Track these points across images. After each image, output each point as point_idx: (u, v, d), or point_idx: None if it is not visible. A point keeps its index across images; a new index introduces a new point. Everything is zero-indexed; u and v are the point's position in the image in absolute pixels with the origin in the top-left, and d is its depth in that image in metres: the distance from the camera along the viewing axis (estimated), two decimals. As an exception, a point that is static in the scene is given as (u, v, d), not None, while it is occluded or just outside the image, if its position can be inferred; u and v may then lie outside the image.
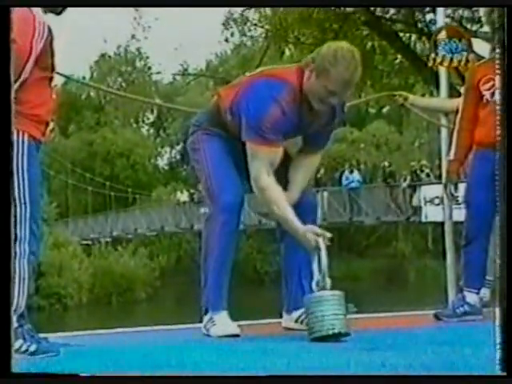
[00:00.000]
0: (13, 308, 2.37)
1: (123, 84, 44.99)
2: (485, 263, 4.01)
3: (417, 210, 22.27)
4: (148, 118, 47.90)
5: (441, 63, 4.86)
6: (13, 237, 2.37)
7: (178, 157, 44.91)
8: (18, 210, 2.72)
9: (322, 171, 26.09)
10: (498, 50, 2.10)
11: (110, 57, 45.04)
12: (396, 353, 2.50)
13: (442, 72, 5.07)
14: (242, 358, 2.45)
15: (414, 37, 16.95)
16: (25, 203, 2.74)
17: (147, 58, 44.88)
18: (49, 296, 26.37)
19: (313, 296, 3.11)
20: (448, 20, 12.26)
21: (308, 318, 3.10)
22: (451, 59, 4.81)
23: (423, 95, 15.96)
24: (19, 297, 2.70)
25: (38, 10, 2.75)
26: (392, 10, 16.32)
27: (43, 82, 2.83)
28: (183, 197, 32.10)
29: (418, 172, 24.21)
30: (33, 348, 2.61)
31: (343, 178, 25.40)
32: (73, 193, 36.79)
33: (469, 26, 14.66)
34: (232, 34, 18.82)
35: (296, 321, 3.46)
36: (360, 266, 36.55)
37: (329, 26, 14.91)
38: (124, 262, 31.46)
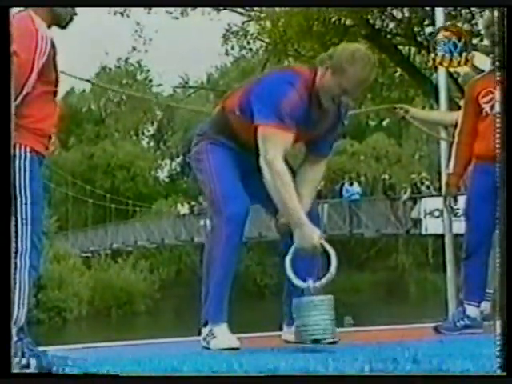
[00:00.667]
0: (12, 321, 2.38)
1: (123, 96, 45.15)
2: (485, 276, 3.99)
3: (417, 223, 22.23)
4: (148, 131, 48.04)
5: (440, 63, 4.84)
6: (14, 249, 2.40)
7: (179, 169, 44.97)
8: (20, 222, 2.71)
9: (322, 183, 26.12)
10: (497, 64, 2.12)
11: (110, 69, 45.13)
12: (394, 365, 2.49)
13: (442, 85, 5.09)
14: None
15: (413, 50, 17.02)
16: (26, 216, 2.74)
17: (148, 70, 45.14)
18: (48, 309, 26.31)
19: (299, 301, 3.14)
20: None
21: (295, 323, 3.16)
22: (451, 59, 4.78)
23: (423, 108, 16.10)
24: (19, 310, 2.69)
25: (41, 24, 2.76)
26: (391, 24, 16.43)
27: (46, 96, 2.83)
28: (183, 209, 32.05)
29: (419, 184, 24.23)
30: (32, 362, 2.55)
31: (344, 190, 25.40)
32: (73, 205, 36.76)
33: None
34: (232, 47, 18.85)
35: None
36: (360, 279, 36.51)
37: (329, 39, 14.95)
38: (124, 275, 31.45)
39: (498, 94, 2.21)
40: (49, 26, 2.83)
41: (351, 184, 25.65)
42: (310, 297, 3.12)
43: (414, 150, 40.07)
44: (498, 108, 2.24)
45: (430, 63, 4.97)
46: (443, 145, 5.03)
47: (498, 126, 2.14)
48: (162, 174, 47.63)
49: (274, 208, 3.36)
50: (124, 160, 41.58)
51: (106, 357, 2.87)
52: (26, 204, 2.74)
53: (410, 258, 38.12)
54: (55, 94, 2.89)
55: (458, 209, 4.20)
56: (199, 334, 3.36)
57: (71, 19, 2.92)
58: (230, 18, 18.70)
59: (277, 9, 15.58)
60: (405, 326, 4.97)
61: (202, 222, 26.53)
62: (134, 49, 22.62)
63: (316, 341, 3.05)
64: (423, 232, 22.07)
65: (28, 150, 2.76)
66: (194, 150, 3.49)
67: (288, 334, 3.49)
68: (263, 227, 23.52)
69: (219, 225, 3.32)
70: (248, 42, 18.25)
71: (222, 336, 3.26)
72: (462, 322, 3.96)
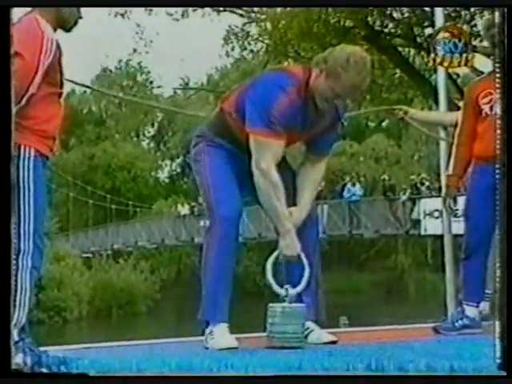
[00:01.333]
0: (13, 322, 2.48)
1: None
2: (484, 277, 3.99)
3: (416, 223, 22.26)
4: (149, 132, 48.01)
5: (441, 63, 4.82)
6: (16, 250, 2.56)
7: (179, 170, 44.97)
8: (22, 223, 2.72)
9: (322, 184, 26.11)
10: (497, 65, 2.12)
11: (111, 71, 45.18)
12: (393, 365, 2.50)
13: (441, 86, 5.07)
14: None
15: (412, 51, 17.04)
16: (29, 217, 2.74)
17: (148, 72, 45.12)
18: (49, 309, 26.29)
19: (271, 307, 3.21)
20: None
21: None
22: (451, 59, 4.77)
23: (422, 109, 16.08)
24: (20, 310, 2.69)
25: (46, 26, 2.78)
26: (391, 25, 16.40)
27: (51, 97, 2.84)
28: (184, 210, 32.02)
29: (418, 185, 24.24)
30: (33, 362, 2.55)
31: (345, 190, 25.39)
32: (74, 206, 36.70)
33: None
34: (232, 49, 18.84)
35: None
36: (360, 279, 36.58)
37: (329, 41, 14.98)
38: (125, 275, 31.41)
39: (498, 95, 2.22)
40: (54, 30, 2.84)
41: (353, 184, 25.66)
42: (283, 304, 3.20)
43: (414, 151, 39.97)
44: (498, 109, 2.25)
45: (431, 63, 4.93)
46: (442, 145, 5.03)
47: (497, 127, 2.16)
48: (163, 175, 47.73)
49: None
50: (124, 161, 41.59)
51: (107, 357, 2.87)
52: (29, 205, 2.74)
53: (410, 259, 38.05)
54: (60, 95, 2.90)
55: (457, 210, 4.20)
56: (203, 334, 3.37)
57: (76, 23, 2.93)
58: (231, 19, 18.68)
59: (277, 10, 15.62)
60: (404, 326, 4.98)
61: (202, 223, 26.46)
62: (135, 50, 22.78)
63: (283, 348, 3.07)
64: (422, 232, 22.11)
65: (32, 151, 2.77)
66: (193, 151, 3.52)
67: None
68: (263, 228, 23.54)
69: (213, 227, 3.36)
70: (249, 44, 18.25)
71: (221, 336, 3.27)
72: (460, 322, 3.96)
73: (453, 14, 14.15)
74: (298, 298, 3.32)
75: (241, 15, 18.23)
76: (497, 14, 2.21)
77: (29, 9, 2.84)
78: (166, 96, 46.62)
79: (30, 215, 2.74)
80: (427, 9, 14.44)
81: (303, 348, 3.10)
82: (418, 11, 15.42)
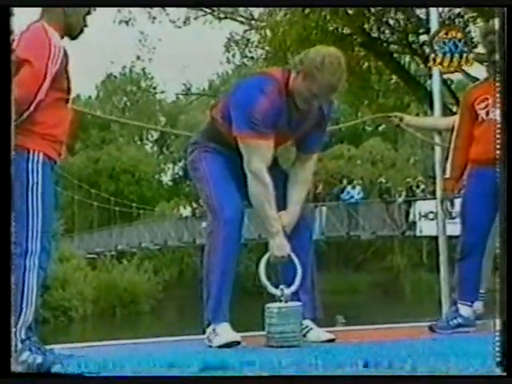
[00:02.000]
0: (21, 321, 2.66)
1: (128, 103, 45.45)
2: (479, 277, 4.03)
3: (412, 225, 22.47)
4: (152, 136, 47.78)
5: (441, 63, 4.84)
6: (24, 251, 2.71)
7: (181, 173, 45.08)
8: (31, 225, 2.75)
9: (320, 187, 26.26)
10: (497, 69, 2.16)
11: (115, 77, 45.14)
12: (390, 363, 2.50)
13: (436, 92, 5.10)
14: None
15: (408, 58, 17.21)
16: (37, 219, 2.77)
17: (152, 78, 45.17)
18: (54, 308, 26.37)
19: (268, 307, 3.26)
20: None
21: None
22: (451, 59, 4.80)
23: (417, 114, 15.88)
24: (27, 309, 2.71)
25: (53, 34, 2.83)
26: (387, 32, 16.44)
27: (59, 103, 2.87)
28: (186, 211, 32.09)
29: (414, 188, 24.36)
30: (39, 360, 2.58)
31: (344, 192, 25.49)
32: (79, 208, 36.55)
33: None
34: (233, 55, 19.11)
35: None
36: (357, 279, 36.57)
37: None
38: (128, 275, 31.46)
39: (495, 100, 2.22)
40: (61, 37, 2.89)
41: (353, 187, 25.83)
42: (279, 304, 3.25)
43: (409, 155, 39.73)
44: (496, 114, 2.26)
45: (431, 63, 4.94)
46: (437, 150, 5.05)
47: (494, 131, 2.15)
48: (165, 178, 47.81)
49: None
50: (128, 164, 41.69)
51: (111, 355, 2.86)
52: (37, 207, 2.77)
53: (405, 259, 38.02)
54: (67, 101, 2.92)
55: (454, 212, 4.20)
56: (203, 333, 3.41)
57: (82, 30, 2.97)
58: (232, 27, 18.88)
59: (277, 18, 16.01)
60: (400, 324, 5.02)
61: (203, 224, 26.45)
62: (139, 57, 23.11)
63: (281, 347, 3.13)
64: (418, 234, 22.33)
65: (41, 155, 2.79)
66: (190, 158, 3.57)
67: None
68: (262, 229, 23.62)
69: (216, 229, 3.38)
70: (249, 50, 18.46)
71: (225, 333, 3.31)
72: (455, 321, 3.98)
73: (447, 22, 14.16)
74: (295, 296, 3.36)
75: (241, 22, 18.46)
76: (496, 20, 2.20)
77: (37, 16, 2.90)
78: (168, 101, 47.01)
79: (38, 217, 2.77)
80: (422, 16, 14.73)
81: (301, 346, 3.15)
82: (414, 18, 15.68)
